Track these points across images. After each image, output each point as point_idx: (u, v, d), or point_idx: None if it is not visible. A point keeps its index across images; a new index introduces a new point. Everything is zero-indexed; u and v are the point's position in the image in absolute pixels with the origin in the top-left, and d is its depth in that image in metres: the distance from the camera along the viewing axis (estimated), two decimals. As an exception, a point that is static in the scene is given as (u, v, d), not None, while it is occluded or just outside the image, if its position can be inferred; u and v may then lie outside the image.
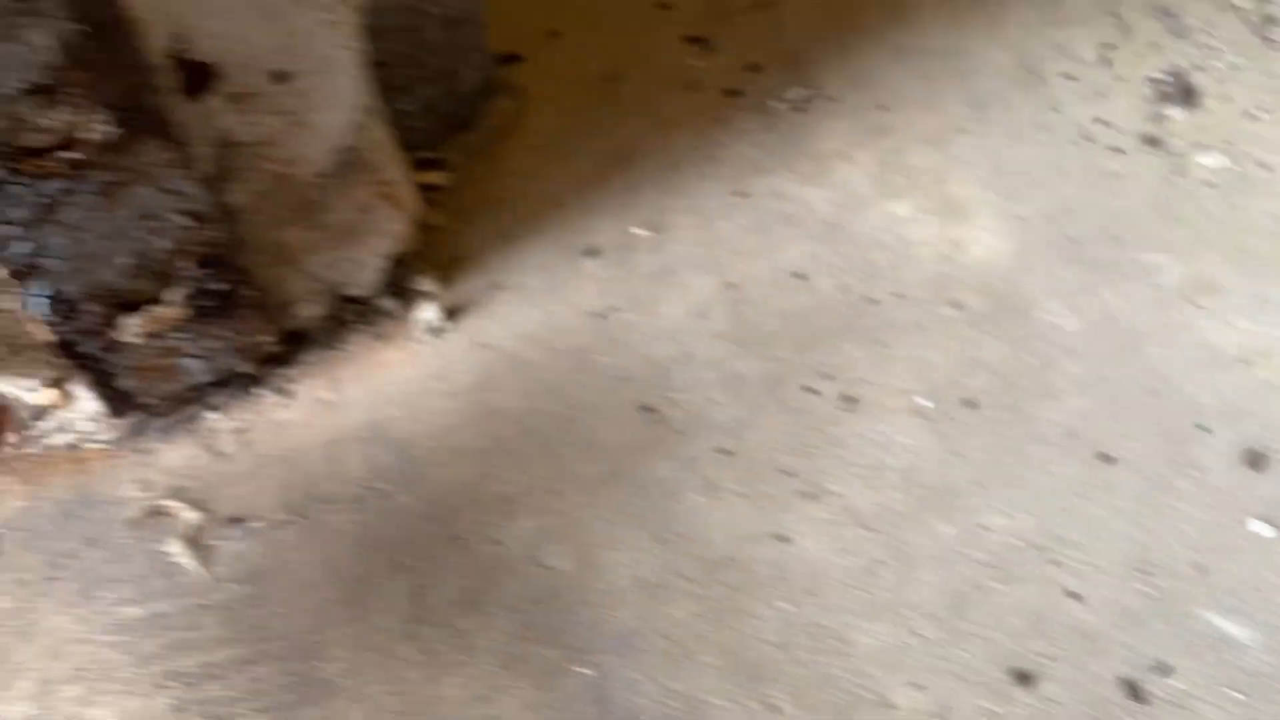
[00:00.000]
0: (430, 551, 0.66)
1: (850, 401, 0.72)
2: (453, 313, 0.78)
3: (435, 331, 0.77)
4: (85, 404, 0.72)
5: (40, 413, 0.73)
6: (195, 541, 0.68)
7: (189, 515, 0.68)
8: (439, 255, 0.81)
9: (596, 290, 0.78)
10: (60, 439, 0.72)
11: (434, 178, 0.81)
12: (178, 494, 0.70)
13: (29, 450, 0.72)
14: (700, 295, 0.77)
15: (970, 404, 0.71)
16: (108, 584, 0.66)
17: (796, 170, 0.84)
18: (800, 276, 0.78)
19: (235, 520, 0.68)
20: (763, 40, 0.94)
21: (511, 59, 0.92)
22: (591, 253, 0.80)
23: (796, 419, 0.71)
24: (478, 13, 0.80)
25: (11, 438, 0.59)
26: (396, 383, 0.74)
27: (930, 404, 0.71)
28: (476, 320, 0.77)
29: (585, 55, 0.94)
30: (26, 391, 0.71)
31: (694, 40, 0.94)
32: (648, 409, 0.72)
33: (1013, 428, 0.70)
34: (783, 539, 0.66)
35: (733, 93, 0.90)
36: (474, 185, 0.85)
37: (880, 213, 0.81)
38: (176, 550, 0.67)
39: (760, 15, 0.96)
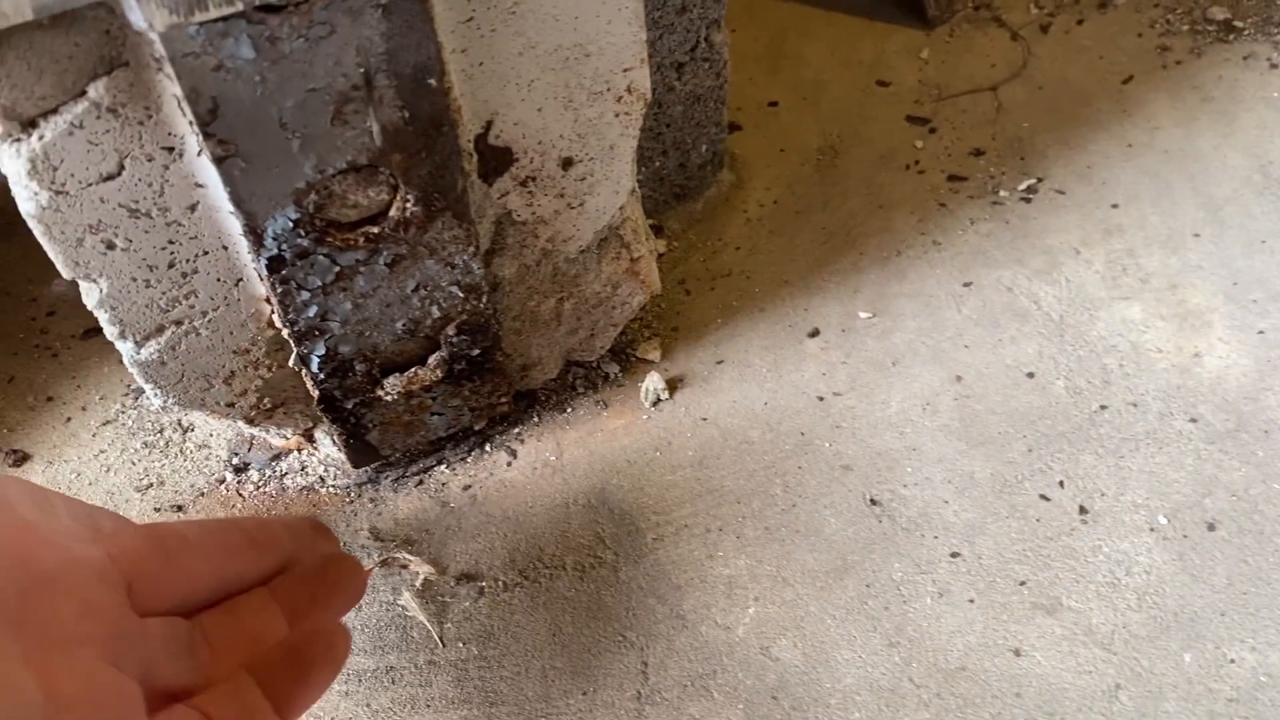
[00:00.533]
0: (656, 629, 0.67)
1: (1085, 513, 0.70)
2: (674, 384, 0.79)
3: (657, 402, 0.77)
4: (325, 449, 0.75)
5: (281, 454, 0.75)
6: (426, 596, 0.69)
7: (422, 568, 0.70)
8: (661, 324, 0.82)
9: (819, 372, 0.78)
10: (297, 480, 0.75)
11: (656, 246, 0.82)
12: (409, 546, 0.71)
13: (266, 489, 0.75)
14: (926, 386, 0.77)
15: (1211, 526, 0.69)
16: (342, 631, 0.68)
17: (1025, 264, 0.83)
18: (1030, 375, 0.77)
19: (465, 578, 0.70)
20: (984, 125, 0.94)
21: (731, 128, 0.92)
22: (814, 333, 0.80)
23: (1029, 526, 0.69)
24: (721, 89, 0.81)
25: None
26: (619, 451, 0.75)
27: (1168, 523, 0.69)
28: (698, 394, 0.78)
29: (803, 128, 0.95)
30: (274, 436, 0.74)
31: (915, 120, 0.94)
32: (875, 502, 0.71)
33: (1258, 555, 0.68)
34: (1017, 652, 0.65)
35: (956, 178, 0.90)
36: (694, 255, 0.86)
37: (1112, 315, 0.80)
38: (409, 604, 0.69)
39: (980, 99, 0.95)
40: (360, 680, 0.66)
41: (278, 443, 0.75)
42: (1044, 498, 0.71)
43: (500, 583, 0.69)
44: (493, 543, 0.71)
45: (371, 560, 0.71)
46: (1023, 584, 0.67)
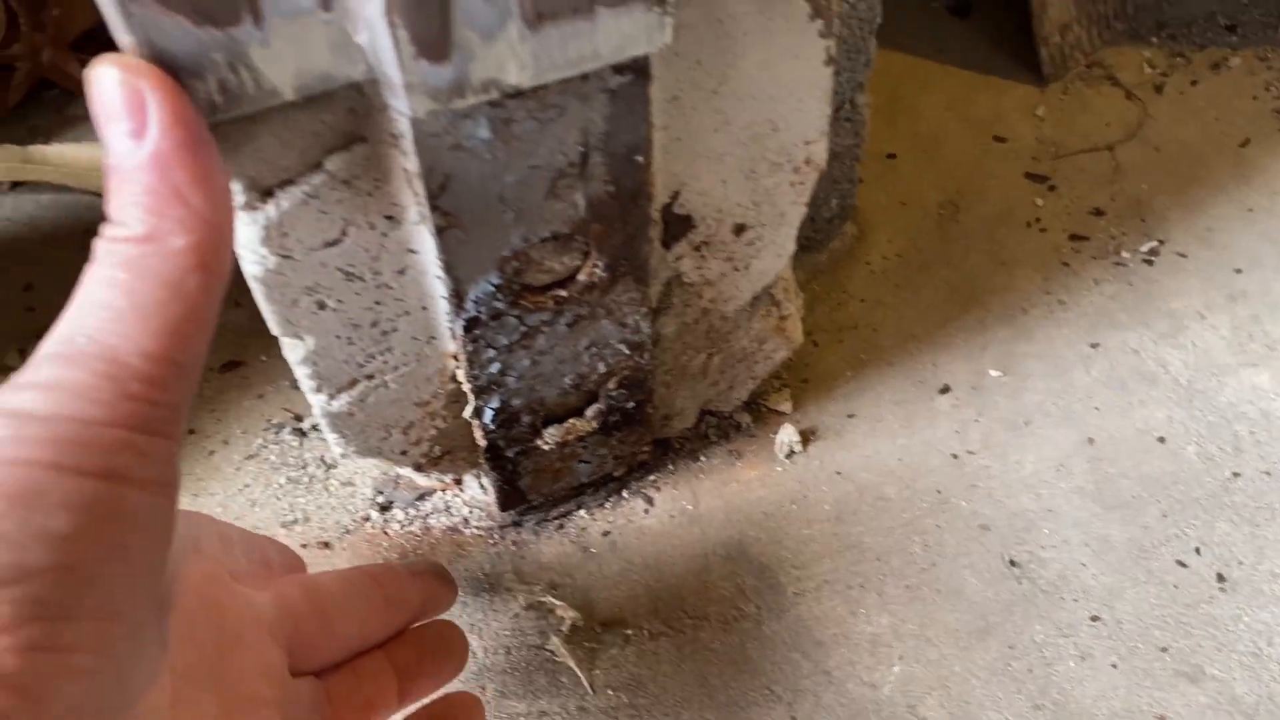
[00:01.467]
0: (802, 684, 0.68)
1: (1223, 580, 0.71)
2: (806, 436, 0.80)
3: (791, 454, 0.79)
4: (470, 491, 0.76)
5: (425, 494, 0.77)
6: (573, 641, 0.71)
7: (567, 613, 0.72)
8: (790, 375, 0.83)
9: (952, 430, 0.80)
10: (441, 520, 0.77)
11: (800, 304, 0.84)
12: (553, 590, 0.73)
13: (411, 529, 0.76)
14: (1059, 448, 0.78)
15: (1350, 599, 0.70)
16: (492, 674, 0.69)
17: (1151, 327, 0.84)
18: (1161, 440, 0.78)
19: (610, 625, 0.71)
20: (1103, 184, 0.95)
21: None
22: (945, 390, 0.82)
23: (1168, 592, 0.71)
24: (858, 148, 0.82)
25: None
26: (754, 502, 0.77)
27: (1307, 594, 0.70)
28: (831, 447, 0.79)
29: (923, 181, 0.96)
30: (432, 480, 0.75)
31: (1034, 178, 0.95)
32: (1014, 563, 0.73)
33: (1399, 631, 0.69)
34: (1163, 720, 0.66)
35: (1077, 237, 0.91)
36: (820, 307, 0.87)
37: (1240, 382, 0.81)
38: (558, 648, 0.70)
39: (1098, 158, 0.97)
40: (513, 724, 0.67)
41: (424, 483, 0.77)
42: (1181, 564, 0.72)
43: (645, 631, 0.71)
44: (635, 590, 0.73)
45: (519, 602, 0.72)
46: (1164, 650, 0.68)
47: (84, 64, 1.08)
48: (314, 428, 0.82)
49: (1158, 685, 0.67)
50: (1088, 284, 0.88)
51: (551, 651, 0.70)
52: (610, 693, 0.68)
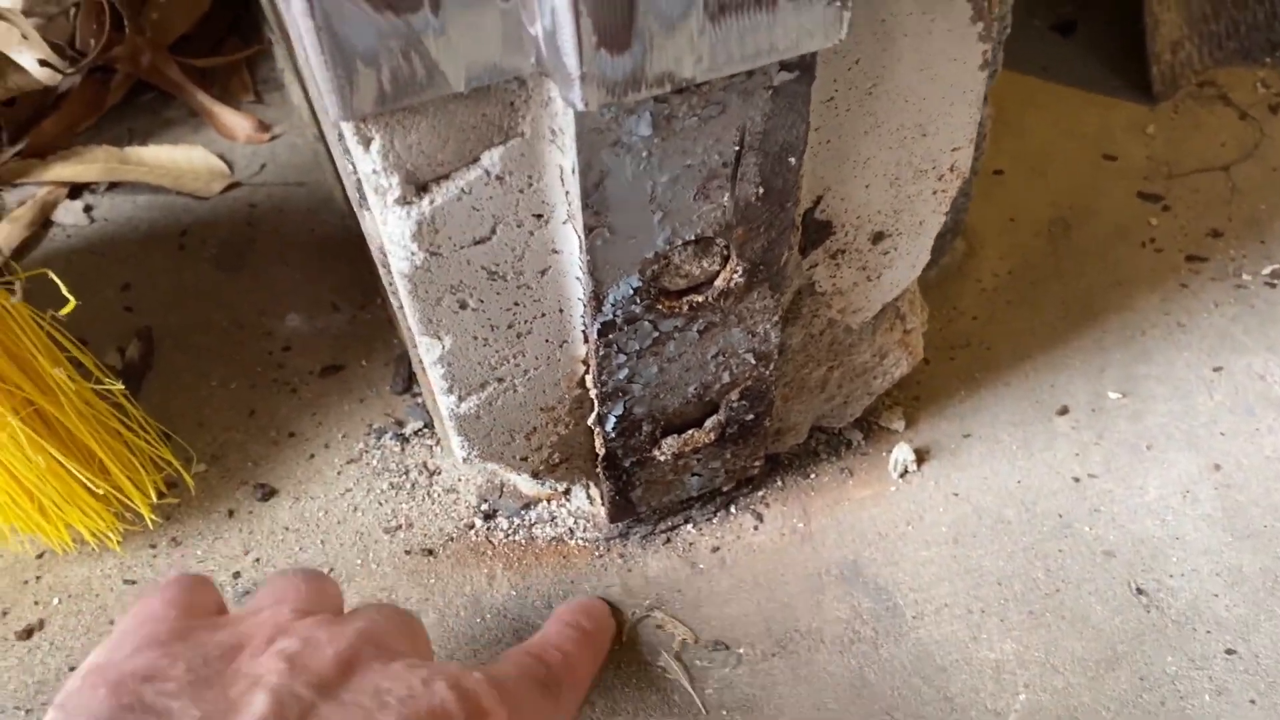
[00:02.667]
0: (924, 712, 0.66)
1: (1365, 617, 0.68)
2: (920, 456, 0.78)
3: (905, 473, 0.77)
4: (576, 501, 0.75)
5: (530, 503, 0.76)
6: (684, 659, 0.69)
7: (677, 630, 0.70)
8: (902, 393, 0.81)
9: (1071, 453, 0.77)
10: (546, 531, 0.75)
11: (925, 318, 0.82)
12: (662, 605, 0.71)
13: (515, 538, 0.75)
14: (1184, 474, 0.75)
15: None
16: (601, 690, 0.67)
17: (1276, 351, 0.81)
18: (1293, 469, 0.75)
19: (720, 644, 0.69)
20: (1219, 205, 0.92)
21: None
22: (1063, 411, 0.79)
23: (1308, 628, 0.68)
24: (976, 161, 0.80)
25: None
26: (868, 521, 0.75)
27: None
28: (946, 467, 0.77)
29: (1032, 198, 0.94)
30: (524, 482, 0.74)
31: (1147, 197, 0.93)
32: (1141, 591, 0.70)
33: None
34: (1309, 761, 0.63)
35: (1195, 258, 0.88)
36: (931, 323, 0.85)
37: (1374, 410, 0.78)
38: (670, 666, 0.68)
39: (1212, 178, 0.94)
40: (625, 742, 0.65)
41: (529, 492, 0.75)
42: (1321, 598, 0.69)
43: (758, 651, 0.69)
44: (746, 609, 0.71)
45: (627, 618, 0.71)
46: (1306, 688, 0.65)
47: (182, 67, 1.09)
48: (416, 433, 0.81)
49: (1301, 724, 0.64)
50: (1207, 306, 0.85)
51: (663, 668, 0.68)
52: (724, 713, 0.66)
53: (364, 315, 0.90)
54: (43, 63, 0.97)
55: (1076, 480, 0.76)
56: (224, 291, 0.92)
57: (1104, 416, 0.79)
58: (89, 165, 1.02)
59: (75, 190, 1.02)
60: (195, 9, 1.11)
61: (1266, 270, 0.87)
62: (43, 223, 0.99)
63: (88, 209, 1.01)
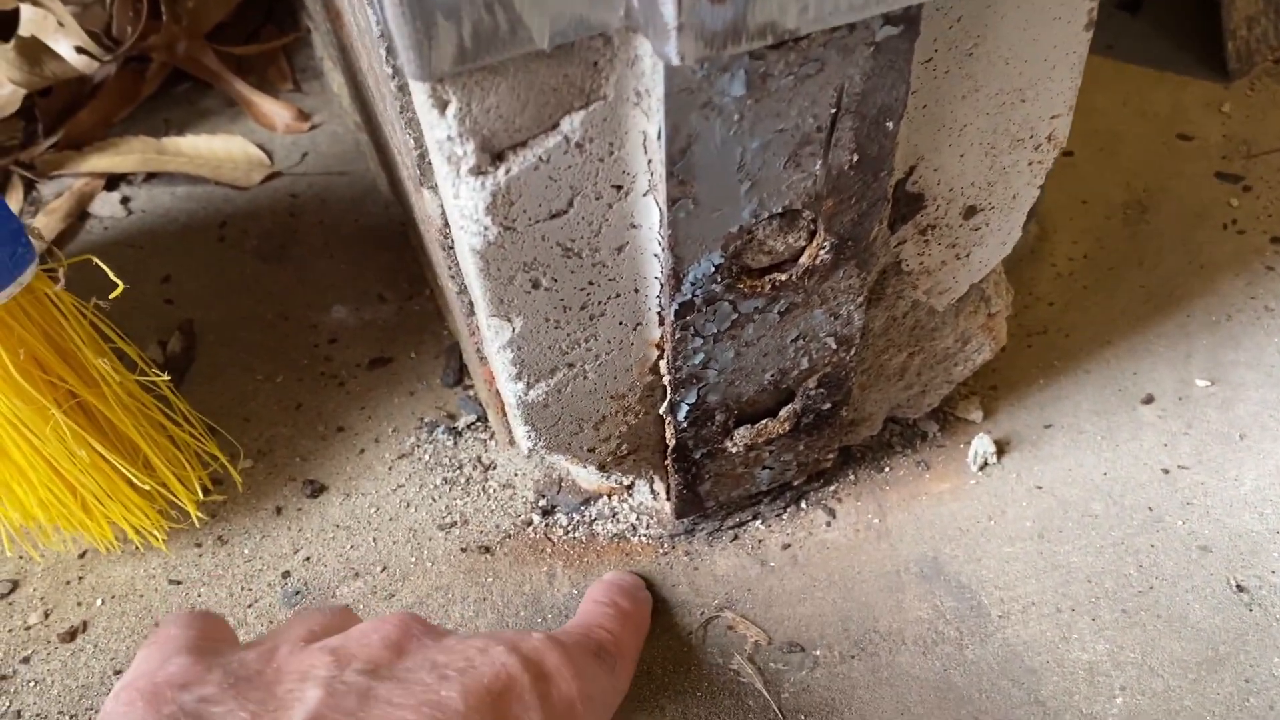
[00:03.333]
0: (1015, 715, 0.62)
1: None
2: (1000, 447, 0.74)
3: (984, 465, 0.73)
4: (640, 496, 0.71)
5: (590, 499, 0.72)
6: (757, 661, 0.65)
7: (749, 631, 0.66)
8: (979, 382, 0.78)
9: (1160, 443, 0.73)
10: (607, 527, 0.72)
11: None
12: (732, 605, 0.68)
13: (575, 535, 0.72)
14: (1282, 465, 0.71)
15: None
16: (672, 695, 0.64)
17: (1374, 336, 0.77)
18: (1398, 459, 0.71)
19: (795, 645, 0.66)
20: (1303, 184, 0.88)
21: (1029, 178, 0.88)
22: (1148, 400, 0.75)
23: None
24: (1054, 138, 0.76)
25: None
26: (947, 517, 0.71)
27: None
28: (1028, 459, 0.73)
29: (1104, 180, 0.90)
30: (584, 476, 0.71)
31: (1226, 177, 0.89)
32: (1241, 588, 0.66)
33: None
34: None
35: (1280, 240, 0.84)
36: (1004, 310, 0.81)
37: None
38: (741, 668, 0.65)
39: (1294, 155, 0.90)
40: (698, 749, 0.62)
41: (588, 487, 0.72)
42: None
43: (835, 653, 0.65)
44: (821, 608, 0.67)
45: (696, 618, 0.67)
46: None
47: (219, 56, 1.06)
48: (469, 427, 0.78)
49: None
50: (1297, 289, 0.81)
51: (736, 671, 0.65)
52: (802, 717, 0.63)
53: (412, 306, 0.87)
54: (80, 50, 0.95)
55: (1166, 472, 0.72)
56: (266, 283, 0.90)
57: (1192, 405, 0.75)
58: (126, 156, 1.00)
59: (112, 181, 0.99)
60: (231, -3, 1.08)
61: (1357, 252, 0.83)
62: (79, 215, 0.96)
63: (125, 200, 0.98)
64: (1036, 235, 0.85)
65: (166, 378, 0.68)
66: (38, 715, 0.65)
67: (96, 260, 0.64)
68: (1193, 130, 0.93)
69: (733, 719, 0.63)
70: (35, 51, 0.93)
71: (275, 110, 1.04)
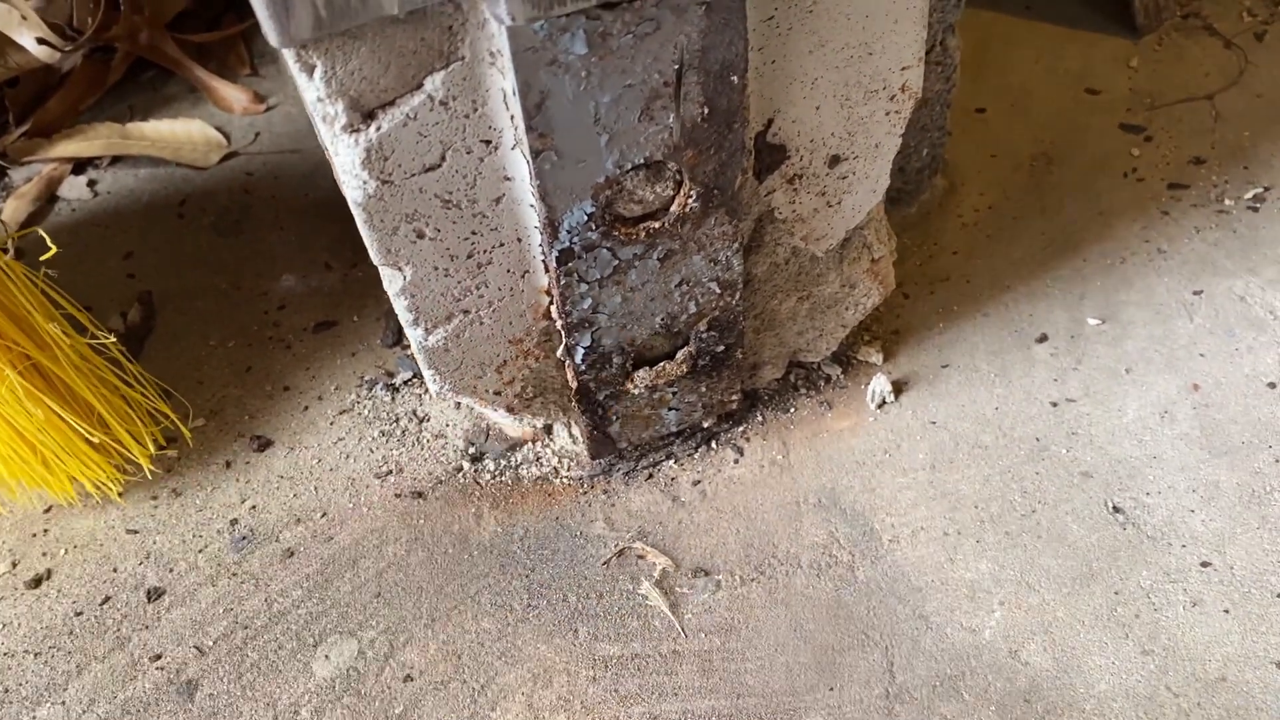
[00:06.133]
0: (899, 629, 0.67)
1: (1342, 527, 0.68)
2: (899, 387, 0.79)
3: (883, 404, 0.78)
4: (560, 441, 0.76)
5: (516, 445, 0.77)
6: (664, 587, 0.70)
7: (658, 559, 0.71)
8: (880, 327, 0.82)
9: (1049, 378, 0.78)
10: (532, 471, 0.77)
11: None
12: (643, 537, 0.73)
13: (502, 478, 0.77)
14: (1162, 395, 0.76)
15: None
16: (585, 618, 0.69)
17: (1258, 273, 0.81)
18: (1272, 386, 0.75)
19: (700, 571, 0.71)
20: (1202, 133, 0.92)
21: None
22: (1042, 339, 0.80)
23: (1283, 539, 0.68)
24: (949, 94, 0.81)
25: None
26: (846, 452, 0.76)
27: None
28: (924, 398, 0.78)
29: (1013, 134, 0.94)
30: (509, 424, 0.76)
31: (1129, 128, 0.93)
32: (1118, 510, 0.70)
33: None
34: (1281, 666, 0.63)
35: (1177, 185, 0.88)
36: (910, 259, 0.86)
37: (1356, 326, 0.77)
38: (649, 593, 0.70)
39: (1195, 107, 0.94)
40: (607, 666, 0.67)
41: (514, 433, 0.77)
42: (1297, 510, 0.69)
43: (736, 577, 0.70)
44: (725, 538, 0.72)
45: (610, 549, 0.72)
46: (1281, 597, 0.66)
47: (180, 44, 1.11)
48: (406, 383, 0.83)
49: (1275, 631, 0.64)
50: (1188, 232, 0.85)
51: (644, 596, 0.70)
52: (703, 636, 0.68)
53: (356, 274, 0.92)
54: (41, 41, 1.00)
55: (1054, 405, 0.76)
56: (221, 256, 0.95)
57: (1083, 343, 0.79)
58: (92, 141, 1.05)
59: (79, 166, 1.05)
60: (190, -13, 1.13)
61: (1249, 195, 0.86)
62: (48, 198, 1.02)
63: (91, 183, 1.03)
64: (945, 189, 0.90)
65: (113, 339, 0.73)
66: (5, 654, 0.70)
67: (40, 231, 0.69)
68: (1101, 85, 0.97)
69: (639, 639, 0.68)
70: (-2, 44, 0.98)
71: (233, 94, 1.09)
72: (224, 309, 0.90)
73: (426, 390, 0.83)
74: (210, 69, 1.11)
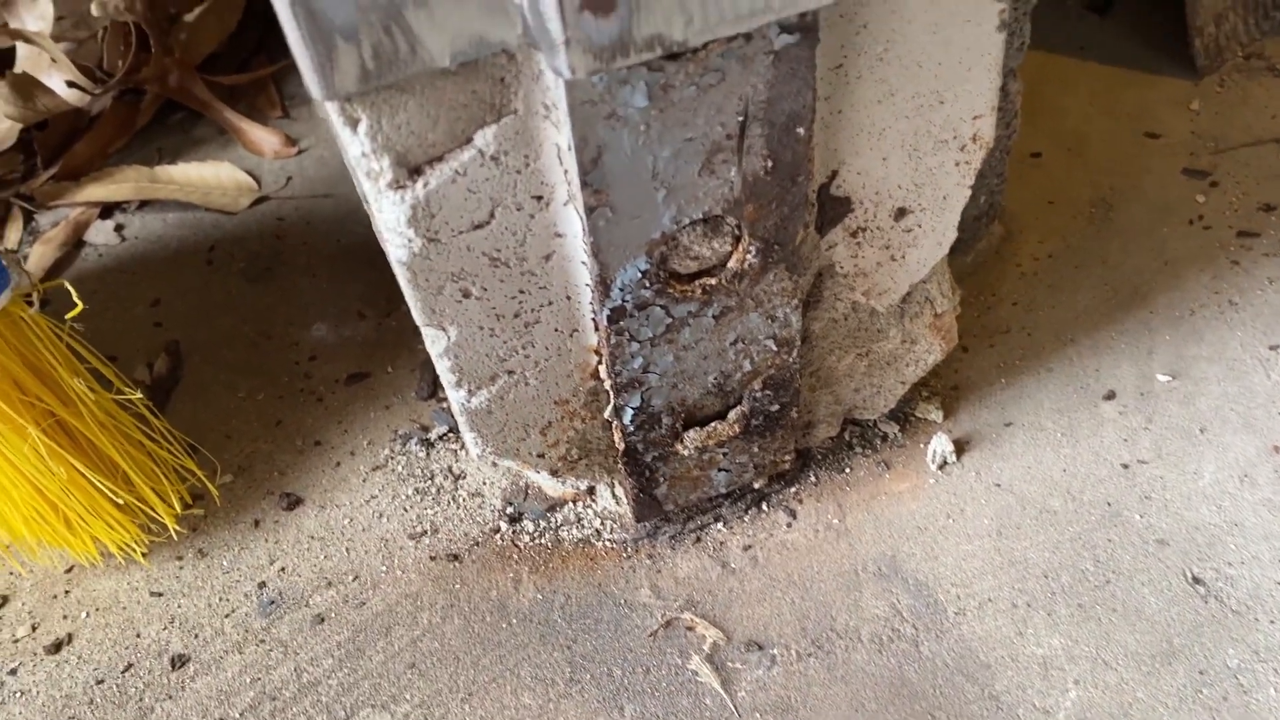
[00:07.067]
0: (968, 710, 0.62)
1: None
2: (960, 446, 0.75)
3: (944, 465, 0.74)
4: (603, 502, 0.73)
5: (556, 505, 0.74)
6: (715, 661, 0.66)
7: (708, 631, 0.67)
8: (939, 382, 0.78)
9: (1119, 439, 0.74)
10: (573, 533, 0.73)
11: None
12: (692, 606, 0.69)
13: (541, 540, 0.73)
14: (1241, 457, 0.71)
15: None
16: (631, 695, 0.65)
17: (1338, 327, 0.77)
18: (1359, 449, 0.71)
19: (754, 645, 0.67)
20: (1271, 178, 0.88)
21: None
22: (1110, 396, 0.76)
23: (1380, 615, 0.63)
24: (1009, 139, 0.77)
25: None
26: (906, 516, 0.72)
27: None
28: (987, 457, 0.74)
29: (1072, 179, 0.90)
30: (549, 484, 0.72)
31: (1193, 174, 0.89)
32: (1198, 581, 0.66)
33: None
34: (1387, 757, 0.59)
35: (1246, 234, 0.84)
36: (968, 310, 0.82)
37: None
38: (699, 669, 0.66)
39: (1263, 150, 0.90)
40: (655, 747, 0.63)
41: (554, 493, 0.73)
42: (1394, 584, 0.65)
43: (793, 651, 0.66)
44: (780, 608, 0.68)
45: (656, 619, 0.68)
46: (1381, 680, 0.61)
47: (210, 86, 1.09)
48: (441, 438, 0.80)
49: (1376, 718, 0.60)
50: (1261, 283, 0.81)
51: (694, 671, 0.66)
52: (758, 716, 0.64)
53: (389, 323, 0.89)
54: (71, 84, 0.98)
55: (1125, 467, 0.72)
56: (251, 304, 0.92)
57: (1153, 400, 0.75)
58: (120, 185, 1.03)
59: (107, 210, 1.03)
60: (223, 28, 1.11)
61: (1324, 243, 0.83)
62: (75, 243, 1.00)
63: (119, 228, 1.01)
64: (1001, 236, 0.86)
65: (140, 395, 0.70)
66: (21, 724, 0.67)
67: (67, 284, 0.67)
68: (1160, 128, 0.94)
69: (688, 699, 0.64)
70: (28, 87, 0.97)
71: (264, 137, 1.07)
72: (253, 359, 0.88)
73: (462, 446, 0.79)
74: (240, 111, 1.10)
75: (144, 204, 1.03)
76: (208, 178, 1.04)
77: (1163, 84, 0.97)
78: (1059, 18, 1.04)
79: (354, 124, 0.44)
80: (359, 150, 0.45)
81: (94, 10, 0.99)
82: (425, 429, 0.81)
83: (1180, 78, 0.98)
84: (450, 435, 0.80)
